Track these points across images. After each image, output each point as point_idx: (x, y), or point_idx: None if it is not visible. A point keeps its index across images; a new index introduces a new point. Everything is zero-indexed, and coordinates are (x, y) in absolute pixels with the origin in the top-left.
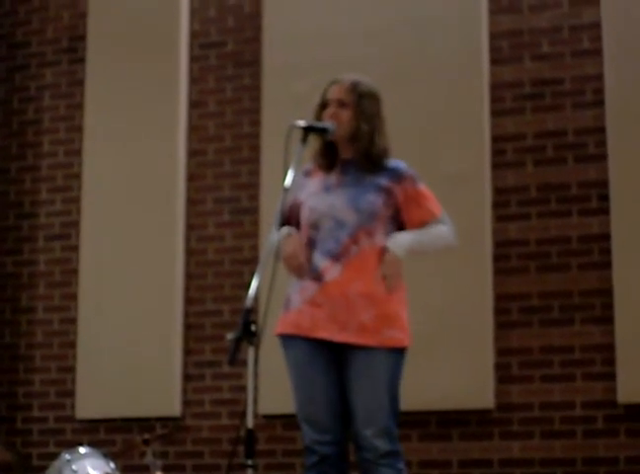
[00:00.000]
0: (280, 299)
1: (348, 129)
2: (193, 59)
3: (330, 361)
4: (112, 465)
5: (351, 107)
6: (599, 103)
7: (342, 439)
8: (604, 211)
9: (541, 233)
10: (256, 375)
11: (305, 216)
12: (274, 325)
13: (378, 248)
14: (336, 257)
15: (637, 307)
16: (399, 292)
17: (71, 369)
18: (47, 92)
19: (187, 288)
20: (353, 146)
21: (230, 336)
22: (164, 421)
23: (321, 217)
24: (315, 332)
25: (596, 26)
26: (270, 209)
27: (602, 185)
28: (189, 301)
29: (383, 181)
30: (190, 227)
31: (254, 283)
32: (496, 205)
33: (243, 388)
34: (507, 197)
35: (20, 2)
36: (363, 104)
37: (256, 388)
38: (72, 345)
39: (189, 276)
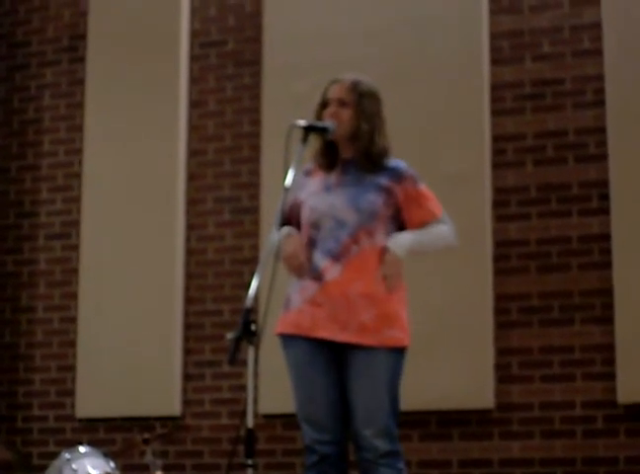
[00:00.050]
0: (281, 299)
1: (348, 129)
2: (193, 59)
3: (330, 361)
4: (111, 464)
5: (351, 106)
6: (599, 103)
7: (342, 439)
8: (605, 211)
9: (541, 233)
10: (256, 375)
11: (306, 216)
12: (274, 325)
13: (379, 248)
14: (336, 257)
15: (637, 307)
16: (399, 292)
17: (71, 368)
18: (48, 91)
19: (187, 288)
20: (353, 146)
21: (230, 335)
22: (164, 420)
23: (321, 217)
24: (315, 331)
25: (596, 26)
26: (270, 209)
27: (603, 185)
28: (189, 301)
29: (383, 180)
30: (190, 227)
31: (254, 283)
32: (496, 205)
33: (243, 388)
34: (507, 196)
35: (20, 1)
36: (364, 103)
37: (256, 388)
38: (72, 344)
39: (189, 276)
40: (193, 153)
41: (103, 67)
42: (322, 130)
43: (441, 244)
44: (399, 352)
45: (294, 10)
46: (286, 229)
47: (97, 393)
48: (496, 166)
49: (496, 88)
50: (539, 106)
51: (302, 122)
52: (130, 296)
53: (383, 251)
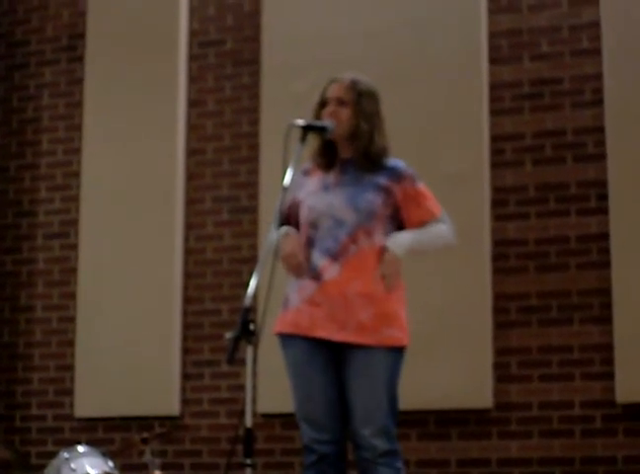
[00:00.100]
0: (279, 298)
1: (347, 128)
2: (192, 58)
3: (329, 361)
4: (110, 464)
5: (350, 105)
6: (598, 102)
7: (340, 438)
8: (603, 211)
9: (540, 233)
10: (254, 374)
11: (304, 215)
12: (272, 324)
13: (377, 247)
14: (334, 256)
15: (636, 307)
16: (398, 291)
17: (70, 368)
18: (47, 90)
19: (185, 287)
20: (352, 145)
21: (229, 335)
22: (163, 419)
23: (320, 216)
24: (314, 331)
25: (595, 25)
26: (269, 208)
27: (601, 184)
28: (187, 300)
29: (382, 180)
30: (188, 226)
31: (253, 282)
32: (495, 205)
33: (242, 387)
34: (505, 196)
35: (19, 0)
36: (363, 102)
37: (254, 387)
38: (71, 343)
39: (187, 275)
40: (191, 152)
41: (102, 66)
42: (321, 130)
43: (440, 243)
44: (398, 351)
45: (293, 10)
46: (285, 229)
47: (95, 392)
48: (494, 165)
49: (494, 87)
50: (538, 105)
51: (301, 122)
52: (129, 296)
53: (382, 250)
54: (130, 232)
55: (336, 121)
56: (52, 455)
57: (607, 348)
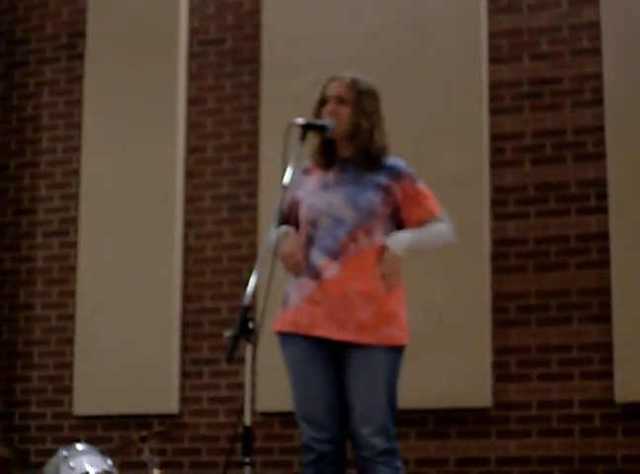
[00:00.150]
0: (279, 297)
1: (347, 126)
2: (192, 56)
3: (328, 359)
4: (109, 462)
5: (350, 103)
6: (597, 102)
7: (340, 437)
8: (603, 210)
9: (540, 232)
10: (253, 373)
11: (304, 214)
12: (272, 322)
13: (377, 247)
14: (334, 255)
15: (635, 306)
16: (398, 291)
17: (69, 366)
18: (46, 88)
19: (185, 286)
20: (352, 144)
21: (228, 333)
22: (161, 418)
23: (319, 215)
24: (313, 330)
25: (595, 25)
26: (268, 207)
27: (601, 184)
28: (187, 298)
29: (382, 179)
30: (188, 224)
31: (252, 281)
32: (494, 204)
33: (241, 385)
34: (505, 195)
35: None
36: (363, 101)
37: (253, 386)
38: (70, 341)
39: (187, 274)
40: (191, 151)
41: (101, 65)
42: (321, 128)
43: (440, 242)
44: (397, 350)
45: (293, 8)
46: (284, 228)
47: (94, 390)
48: (494, 165)
49: (494, 87)
50: (538, 105)
51: (301, 120)
52: (128, 294)
53: (382, 249)
54: (130, 230)
55: (336, 120)
56: (51, 453)
57: (607, 347)
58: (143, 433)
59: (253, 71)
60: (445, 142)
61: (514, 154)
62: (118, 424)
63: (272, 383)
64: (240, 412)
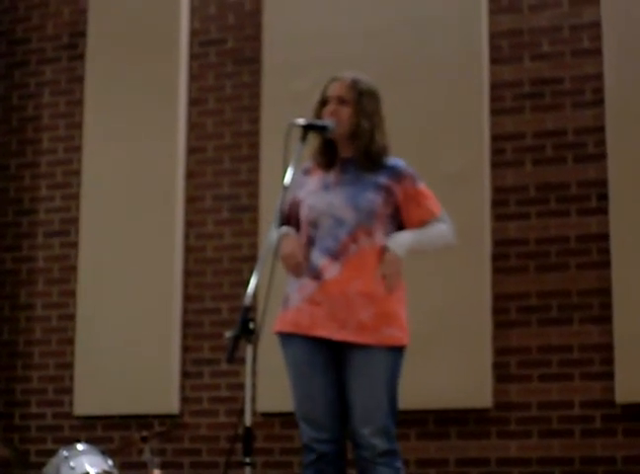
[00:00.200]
0: (279, 297)
1: (348, 127)
2: (192, 57)
3: (329, 360)
4: (109, 462)
5: (351, 104)
6: (598, 102)
7: (340, 438)
8: (603, 211)
9: (540, 232)
10: (254, 373)
11: (304, 214)
12: (272, 323)
13: (378, 247)
14: (335, 255)
15: (636, 307)
16: (398, 291)
17: (69, 366)
18: (47, 89)
19: (185, 286)
20: (352, 144)
21: (229, 333)
22: (162, 418)
23: (320, 215)
24: (314, 330)
25: (595, 25)
26: (269, 207)
27: (602, 184)
28: (187, 299)
29: (383, 179)
30: (189, 224)
31: (253, 281)
32: (495, 205)
33: (241, 386)
34: (506, 196)
35: None
36: (364, 101)
37: (254, 386)
38: (71, 341)
39: (187, 274)
40: (192, 151)
41: (102, 65)
42: (322, 129)
43: (441, 243)
44: (398, 351)
45: (294, 8)
46: (285, 229)
47: (95, 391)
48: (495, 165)
49: (495, 87)
50: (538, 105)
51: (302, 121)
52: (129, 294)
53: (383, 250)
54: (131, 230)
55: (336, 120)
56: (52, 453)
57: (607, 348)
58: (144, 433)
59: (254, 71)
60: (446, 143)
61: (514, 155)
62: (118, 424)
63: (272, 384)
64: (240, 412)
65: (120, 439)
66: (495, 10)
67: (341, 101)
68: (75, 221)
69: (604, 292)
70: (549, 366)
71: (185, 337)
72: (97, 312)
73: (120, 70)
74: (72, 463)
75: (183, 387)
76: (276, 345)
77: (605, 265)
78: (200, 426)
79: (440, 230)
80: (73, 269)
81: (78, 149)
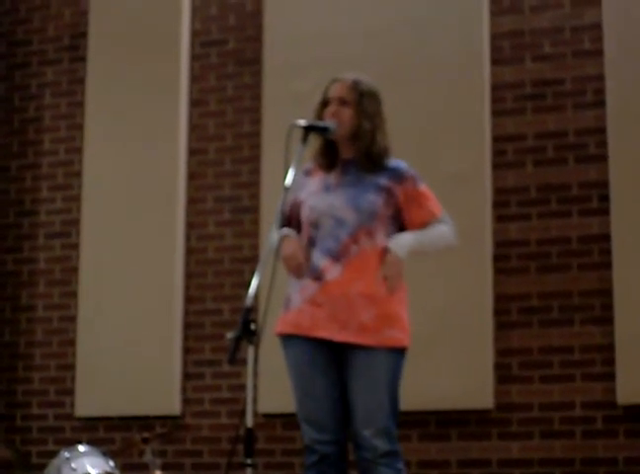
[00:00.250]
0: (280, 298)
1: (349, 128)
2: (193, 58)
3: (330, 361)
4: (111, 463)
5: (352, 105)
6: (599, 103)
7: (341, 439)
8: (605, 212)
9: (541, 233)
10: (255, 374)
11: (305, 215)
12: (273, 324)
13: (379, 248)
14: (336, 256)
15: (637, 308)
16: (400, 292)
17: (71, 367)
18: (48, 90)
19: (187, 287)
20: (354, 145)
21: (230, 335)
22: (163, 419)
23: (321, 216)
24: (315, 331)
25: (597, 26)
26: (270, 208)
27: (603, 185)
28: (189, 300)
29: (384, 180)
30: (190, 226)
31: (254, 282)
32: (496, 206)
33: (243, 387)
34: (507, 197)
35: (21, 0)
36: (365, 102)
37: (255, 387)
38: (72, 343)
39: (189, 275)
40: (193, 152)
41: (103, 66)
42: (323, 130)
43: (442, 244)
44: (399, 352)
45: (295, 9)
46: (285, 230)
47: (96, 392)
48: (496, 166)
49: (496, 88)
50: (540, 106)
51: (303, 122)
52: (130, 295)
53: (384, 251)
54: (132, 232)
55: (338, 121)
56: (53, 455)
57: (608, 349)
58: (145, 434)
59: (255, 72)
60: (447, 143)
61: (516, 156)
62: (119, 425)
63: (273, 385)
64: (242, 413)
65: (121, 441)
66: (496, 11)
67: (342, 102)
68: (76, 223)
69: (606, 293)
70: (550, 367)
71: (186, 338)
72: (98, 313)
73: (121, 72)
74: (73, 464)
75: (184, 388)
76: (277, 346)
77: (607, 266)
78: (202, 427)
79: (442, 231)
80: (74, 270)
81: (79, 151)
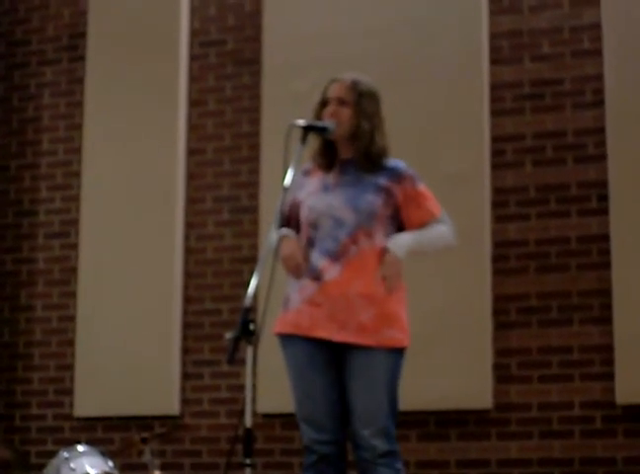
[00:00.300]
0: (279, 298)
1: (348, 128)
2: (192, 58)
3: (329, 361)
4: (110, 463)
5: (351, 105)
6: (598, 103)
7: (340, 439)
8: (604, 212)
9: (540, 233)
10: (254, 374)
11: (304, 216)
12: (272, 324)
13: (378, 249)
14: (335, 256)
15: (636, 308)
16: (399, 292)
17: (70, 367)
18: (47, 90)
19: (186, 287)
20: (352, 145)
21: (229, 335)
22: (162, 419)
23: (320, 217)
24: (314, 331)
25: (596, 26)
26: (269, 208)
27: (602, 185)
28: (188, 300)
29: (382, 180)
30: (189, 226)
31: (253, 282)
32: (495, 206)
33: (241, 387)
34: (506, 197)
35: (20, 0)
36: (364, 102)
37: (254, 387)
38: (71, 343)
39: (188, 275)
40: (192, 152)
41: (102, 66)
42: (322, 130)
43: (441, 244)
44: (398, 352)
45: (294, 9)
46: (284, 231)
47: (95, 392)
48: (495, 166)
49: (495, 88)
50: (539, 106)
51: (302, 122)
52: (129, 296)
53: (383, 251)
54: (131, 232)
55: (336, 121)
56: (52, 455)
57: (607, 348)
58: (144, 434)
59: (254, 73)
60: (446, 143)
61: (514, 156)
62: (118, 425)
63: (272, 385)
64: (241, 413)
65: (120, 441)
66: (495, 11)
67: (341, 102)
68: (75, 223)
69: (605, 293)
70: (549, 367)
71: (185, 338)
72: (97, 313)
73: (120, 71)
74: (72, 464)
75: (183, 388)
76: (276, 346)
77: (606, 265)
78: (201, 427)
79: (441, 231)
80: (73, 270)
81: (78, 150)
